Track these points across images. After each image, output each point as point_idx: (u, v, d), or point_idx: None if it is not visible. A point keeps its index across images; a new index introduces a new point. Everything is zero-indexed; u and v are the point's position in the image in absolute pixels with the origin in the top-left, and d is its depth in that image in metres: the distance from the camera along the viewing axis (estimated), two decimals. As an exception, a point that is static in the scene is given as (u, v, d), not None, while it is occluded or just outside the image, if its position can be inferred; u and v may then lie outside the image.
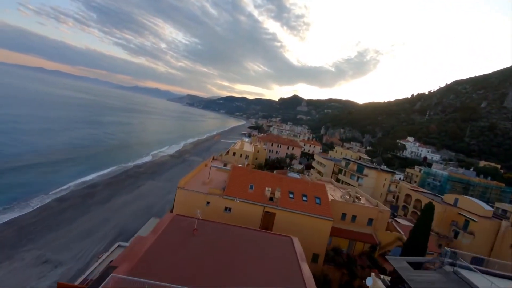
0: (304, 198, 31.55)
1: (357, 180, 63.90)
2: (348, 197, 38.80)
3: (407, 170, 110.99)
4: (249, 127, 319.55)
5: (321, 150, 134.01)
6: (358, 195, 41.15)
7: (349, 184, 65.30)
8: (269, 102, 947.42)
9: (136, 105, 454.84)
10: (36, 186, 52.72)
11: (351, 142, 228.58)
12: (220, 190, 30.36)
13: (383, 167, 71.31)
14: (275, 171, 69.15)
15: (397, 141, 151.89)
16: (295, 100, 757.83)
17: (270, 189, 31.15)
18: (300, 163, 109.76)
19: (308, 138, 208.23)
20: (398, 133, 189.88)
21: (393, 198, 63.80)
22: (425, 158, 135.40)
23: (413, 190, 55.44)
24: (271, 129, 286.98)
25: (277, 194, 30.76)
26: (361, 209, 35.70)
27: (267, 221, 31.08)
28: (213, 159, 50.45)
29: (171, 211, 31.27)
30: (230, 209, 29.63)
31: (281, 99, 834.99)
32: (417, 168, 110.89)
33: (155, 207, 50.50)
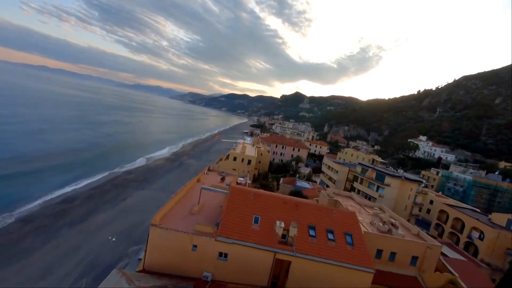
0: (330, 236, 22.39)
1: (376, 190, 54.63)
2: (381, 223, 29.59)
3: (423, 172, 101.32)
4: (251, 126, 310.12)
5: (328, 151, 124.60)
6: (393, 219, 31.83)
7: (368, 195, 56.17)
8: (271, 99, 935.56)
9: (137, 104, 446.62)
10: (2, 203, 44.17)
11: (357, 141, 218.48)
12: (212, 227, 21.32)
13: (408, 174, 61.85)
14: (281, 180, 60.16)
15: (409, 140, 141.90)
16: (297, 97, 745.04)
17: (283, 224, 22.06)
18: (306, 165, 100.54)
19: (313, 137, 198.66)
20: (407, 131, 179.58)
21: (419, 211, 54.52)
22: (440, 158, 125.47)
23: (450, 206, 45.64)
24: (273, 127, 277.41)
25: (293, 231, 21.67)
26: (404, 244, 26.53)
27: (279, 269, 22.03)
28: (208, 169, 41.39)
29: (142, 259, 22.43)
30: (226, 255, 20.62)
31: (283, 96, 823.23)
32: (433, 170, 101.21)
33: (138, 229, 41.64)
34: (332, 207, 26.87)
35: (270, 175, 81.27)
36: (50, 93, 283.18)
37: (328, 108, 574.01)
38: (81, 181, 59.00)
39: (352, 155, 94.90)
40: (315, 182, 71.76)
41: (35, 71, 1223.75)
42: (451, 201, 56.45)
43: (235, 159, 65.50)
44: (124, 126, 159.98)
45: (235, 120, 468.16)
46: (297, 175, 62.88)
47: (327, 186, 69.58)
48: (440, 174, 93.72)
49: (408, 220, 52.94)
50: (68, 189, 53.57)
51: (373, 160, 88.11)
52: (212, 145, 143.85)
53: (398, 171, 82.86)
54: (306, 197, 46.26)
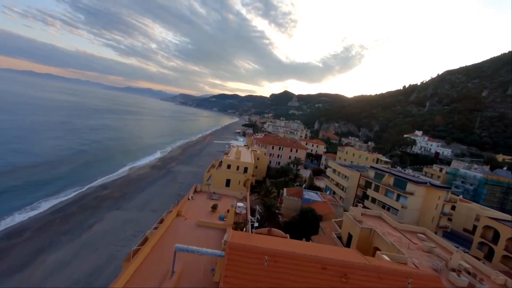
0: None
1: (397, 199, 44.68)
2: (454, 273, 19.02)
3: (425, 169, 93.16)
4: (243, 125, 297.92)
5: (325, 150, 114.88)
6: (466, 263, 21.29)
7: (386, 205, 46.14)
8: (260, 98, 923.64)
9: (127, 106, 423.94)
10: None
11: (349, 137, 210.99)
12: None
13: (433, 181, 52.23)
14: (285, 189, 49.16)
15: (405, 135, 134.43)
16: (286, 95, 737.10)
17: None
18: (305, 167, 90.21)
19: (306, 135, 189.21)
20: (398, 126, 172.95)
21: (448, 221, 45.04)
22: (437, 154, 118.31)
23: (500, 222, 35.12)
24: (265, 126, 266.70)
25: None
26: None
27: None
28: (195, 190, 29.76)
29: None
30: None
31: (273, 95, 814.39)
32: (436, 167, 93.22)
33: (103, 273, 29.66)
34: (403, 267, 15.85)
35: (268, 180, 70.43)
36: (34, 98, 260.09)
37: (316, 105, 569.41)
38: (40, 204, 45.93)
39: (353, 154, 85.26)
40: (319, 188, 61.38)
41: (21, 76, 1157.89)
42: (492, 212, 46.92)
43: (229, 167, 54.08)
44: (111, 131, 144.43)
45: (227, 120, 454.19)
46: (303, 186, 52.32)
47: (333, 193, 59.37)
48: (444, 171, 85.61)
49: (435, 233, 43.44)
50: (18, 217, 40.52)
51: (378, 159, 78.80)
52: (204, 148, 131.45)
53: (406, 171, 73.97)
54: (321, 218, 35.58)
